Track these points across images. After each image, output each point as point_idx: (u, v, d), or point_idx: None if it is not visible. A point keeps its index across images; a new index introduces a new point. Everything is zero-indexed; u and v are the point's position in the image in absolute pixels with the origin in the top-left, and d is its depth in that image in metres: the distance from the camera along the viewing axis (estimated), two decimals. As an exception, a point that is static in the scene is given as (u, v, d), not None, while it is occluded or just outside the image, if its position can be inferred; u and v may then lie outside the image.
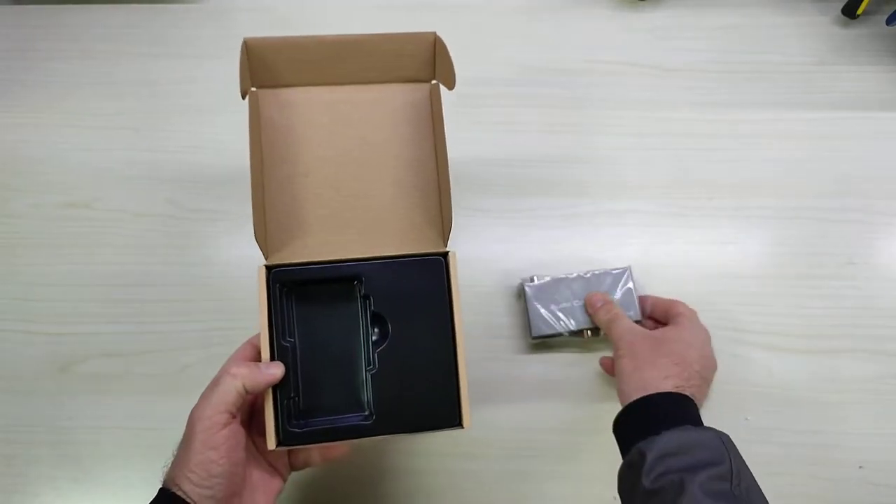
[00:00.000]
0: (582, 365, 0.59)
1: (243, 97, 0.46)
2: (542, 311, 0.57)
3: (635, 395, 0.47)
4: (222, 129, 0.65)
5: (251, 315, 0.58)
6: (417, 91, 0.49)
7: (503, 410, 0.58)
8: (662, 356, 0.49)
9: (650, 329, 0.56)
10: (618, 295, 0.58)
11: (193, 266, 0.61)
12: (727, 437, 0.45)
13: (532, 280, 0.58)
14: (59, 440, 0.56)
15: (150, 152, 0.64)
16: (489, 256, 0.62)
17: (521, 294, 0.59)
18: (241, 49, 0.44)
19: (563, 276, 0.58)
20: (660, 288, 0.60)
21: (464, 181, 0.64)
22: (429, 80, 0.50)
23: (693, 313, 0.55)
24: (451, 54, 0.68)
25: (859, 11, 0.68)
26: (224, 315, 0.59)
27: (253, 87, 0.47)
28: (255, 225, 0.44)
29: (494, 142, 0.65)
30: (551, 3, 0.71)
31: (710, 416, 0.57)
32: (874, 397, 0.58)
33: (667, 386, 0.47)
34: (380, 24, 0.69)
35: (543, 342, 0.59)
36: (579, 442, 0.57)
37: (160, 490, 0.40)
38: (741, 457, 0.43)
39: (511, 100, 0.67)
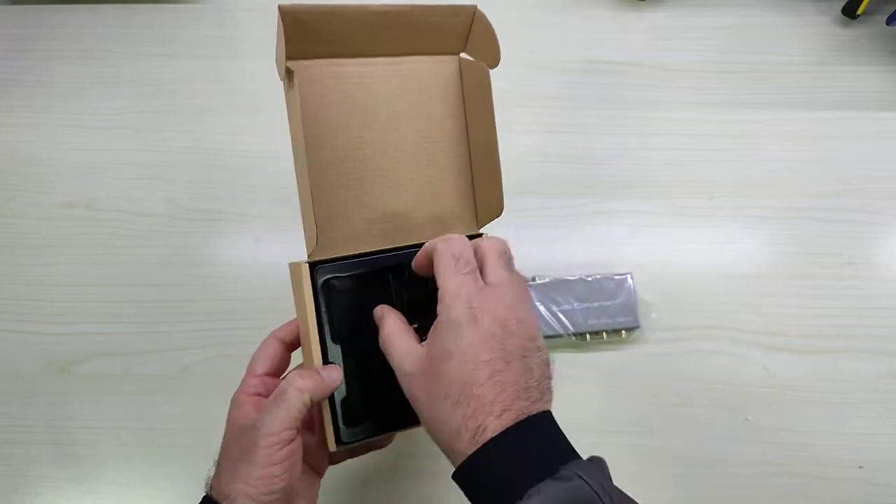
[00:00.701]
0: (581, 365, 0.59)
1: (282, 76, 0.41)
2: (544, 311, 0.57)
3: (455, 460, 0.34)
4: (222, 128, 0.65)
5: (251, 315, 0.59)
6: (451, 64, 0.46)
7: (503, 410, 0.58)
8: (439, 401, 0.34)
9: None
10: (618, 301, 0.58)
11: (193, 266, 0.61)
12: (597, 473, 0.33)
13: (534, 280, 0.58)
14: (59, 440, 0.56)
15: (150, 152, 0.64)
16: (489, 256, 0.62)
17: (521, 294, 0.59)
18: (278, 19, 0.39)
19: (565, 277, 0.59)
20: (660, 288, 0.60)
21: (464, 181, 0.64)
22: (456, 53, 0.46)
23: (454, 296, 0.36)
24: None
25: (859, 11, 0.68)
26: (224, 315, 0.59)
27: (288, 60, 0.41)
28: (305, 220, 0.41)
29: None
30: (551, 3, 0.71)
31: (712, 417, 0.57)
32: (874, 397, 0.58)
33: (464, 444, 0.33)
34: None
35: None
36: (579, 442, 0.56)
37: (206, 500, 0.38)
38: (617, 492, 0.33)
39: (511, 100, 0.67)
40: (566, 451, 0.35)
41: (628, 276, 0.59)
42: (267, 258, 0.61)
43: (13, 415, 0.57)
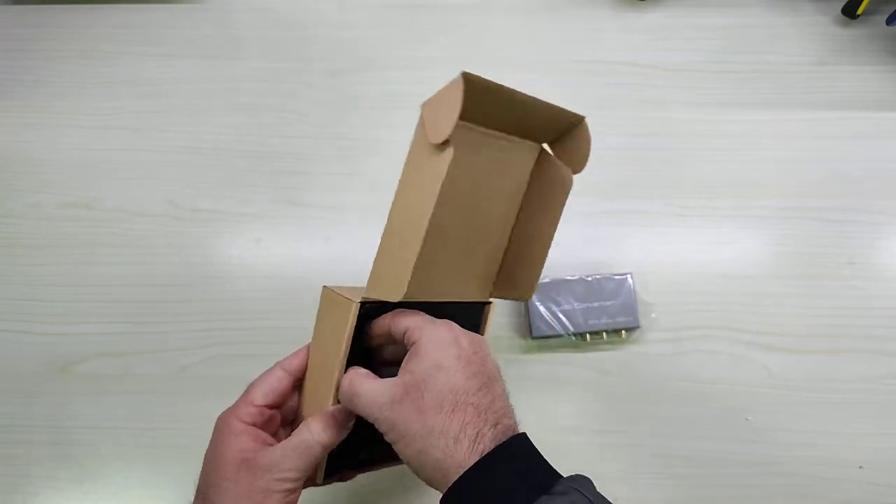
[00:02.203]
0: (582, 365, 0.59)
1: (446, 142, 0.37)
2: (544, 311, 0.57)
3: (441, 487, 0.34)
4: (222, 128, 0.65)
5: (251, 315, 0.59)
6: (532, 151, 0.46)
7: (503, 410, 0.58)
8: (432, 413, 0.34)
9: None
10: (618, 301, 0.58)
11: (193, 266, 0.61)
12: (589, 487, 0.35)
13: (532, 280, 0.58)
14: (59, 440, 0.56)
15: (150, 152, 0.64)
16: (489, 256, 0.62)
17: (521, 294, 0.60)
18: (459, 84, 0.37)
19: (565, 277, 0.58)
20: (660, 288, 0.60)
21: (464, 181, 0.64)
22: (539, 142, 0.46)
23: (424, 323, 0.38)
24: (451, 54, 0.68)
25: (859, 11, 0.68)
26: (224, 315, 0.59)
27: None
28: (391, 265, 0.39)
29: (494, 142, 0.65)
30: (551, 3, 0.71)
31: (711, 416, 0.57)
32: (874, 397, 0.58)
33: (463, 453, 0.33)
34: (379, 23, 0.69)
35: (543, 342, 0.59)
36: (579, 442, 0.57)
37: None
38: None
39: (511, 100, 0.67)
40: (552, 471, 0.36)
41: (628, 276, 0.59)
42: (267, 258, 0.61)
43: (13, 415, 0.57)
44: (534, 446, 0.36)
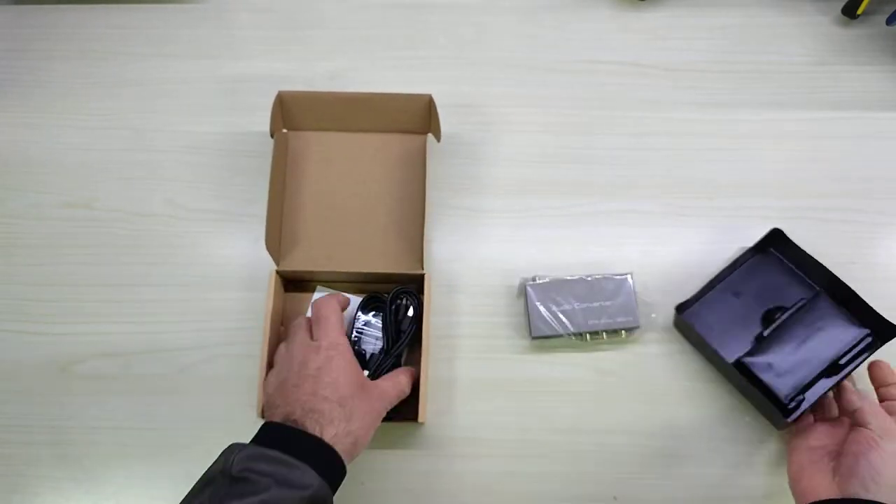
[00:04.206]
0: (582, 365, 0.59)
1: (272, 136, 0.58)
2: (544, 311, 0.57)
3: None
4: (222, 129, 0.65)
5: (250, 315, 0.59)
6: (414, 141, 0.62)
7: (502, 410, 0.58)
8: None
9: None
10: (618, 301, 0.58)
11: (193, 266, 0.61)
12: None
13: (534, 280, 0.58)
14: (59, 440, 0.56)
15: (150, 152, 0.65)
16: (489, 256, 0.62)
17: (522, 293, 0.60)
18: (275, 100, 0.58)
19: (565, 277, 0.58)
20: (660, 288, 0.60)
21: (464, 181, 0.64)
22: (424, 133, 0.62)
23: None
24: (451, 54, 0.69)
25: (859, 11, 0.68)
26: (223, 315, 0.59)
27: (291, 131, 0.61)
28: (267, 238, 0.54)
29: (494, 142, 0.65)
30: (551, 3, 0.71)
31: (711, 416, 0.57)
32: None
33: None
34: (379, 24, 0.70)
35: (543, 342, 0.59)
36: (579, 441, 0.57)
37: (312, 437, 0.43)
38: None
39: (511, 100, 0.67)
40: None
41: (628, 276, 0.59)
42: (267, 258, 0.61)
43: (13, 415, 0.57)
44: None
